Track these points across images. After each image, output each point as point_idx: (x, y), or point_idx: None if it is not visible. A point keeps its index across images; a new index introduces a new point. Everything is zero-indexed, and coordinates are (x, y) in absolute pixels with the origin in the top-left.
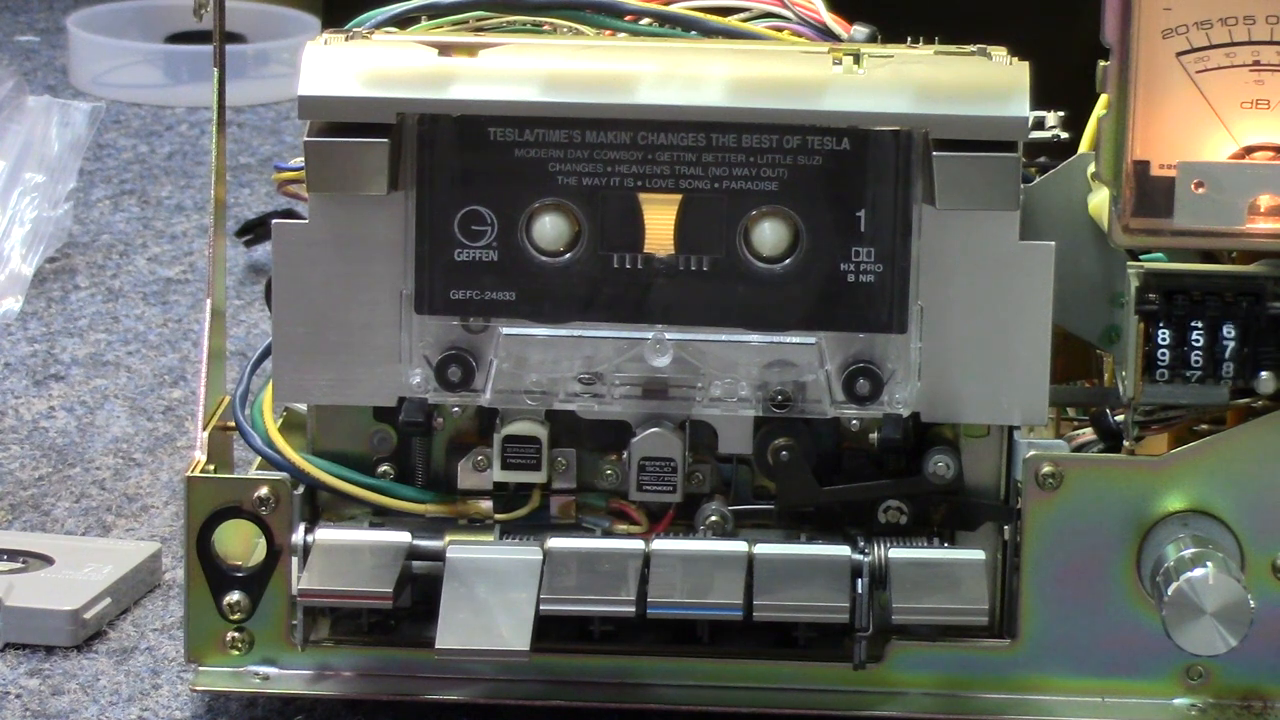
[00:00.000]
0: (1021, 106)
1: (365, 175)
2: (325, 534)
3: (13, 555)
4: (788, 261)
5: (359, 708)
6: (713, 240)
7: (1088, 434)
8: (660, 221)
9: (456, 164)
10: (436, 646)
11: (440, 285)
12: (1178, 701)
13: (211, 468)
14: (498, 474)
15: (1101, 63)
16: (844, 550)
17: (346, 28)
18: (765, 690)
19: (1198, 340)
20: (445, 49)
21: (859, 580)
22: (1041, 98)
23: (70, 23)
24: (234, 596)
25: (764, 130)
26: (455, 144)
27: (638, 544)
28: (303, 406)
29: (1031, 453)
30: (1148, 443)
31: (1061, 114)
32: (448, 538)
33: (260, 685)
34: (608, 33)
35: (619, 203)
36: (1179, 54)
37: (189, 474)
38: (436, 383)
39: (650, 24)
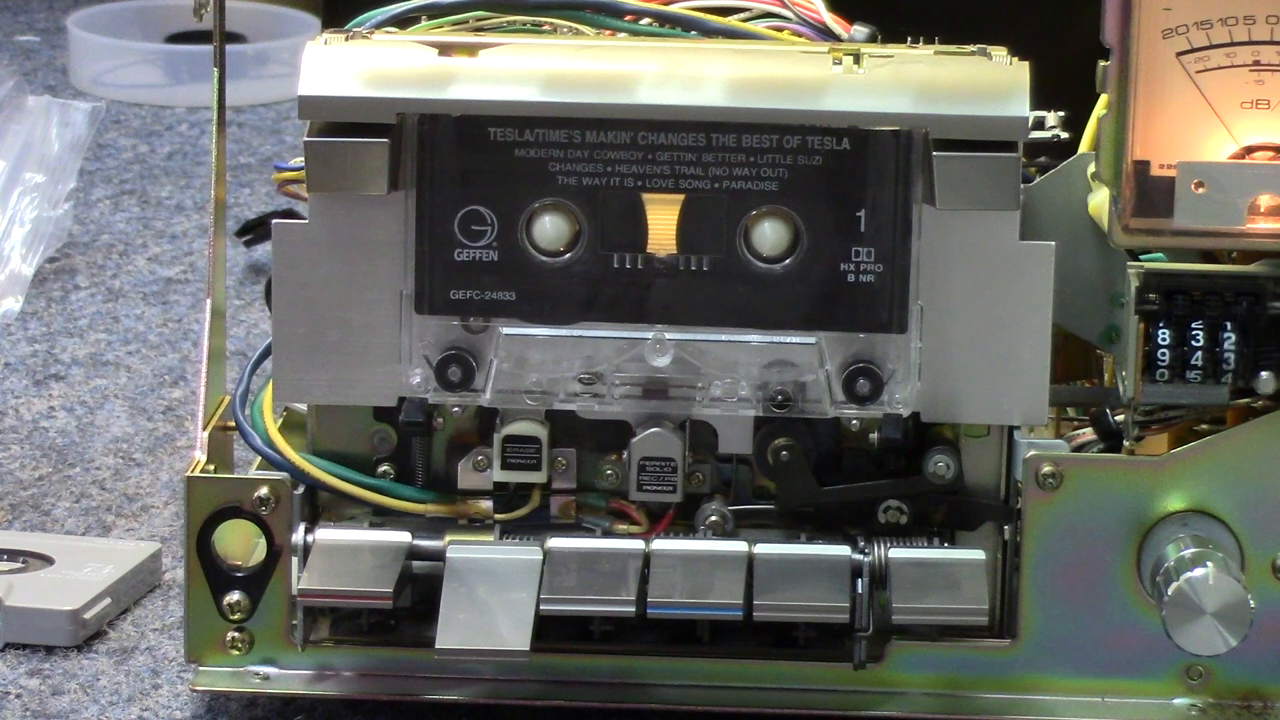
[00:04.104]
0: (1021, 106)
1: (365, 175)
2: (325, 534)
3: (13, 555)
4: (788, 261)
5: (359, 708)
6: (713, 240)
7: (1088, 434)
8: (660, 221)
9: (456, 164)
10: (436, 646)
11: (440, 285)
12: (1178, 701)
13: (211, 468)
14: (498, 474)
15: (1101, 63)
16: (844, 550)
17: (346, 28)
18: (765, 690)
19: (1198, 340)
20: (445, 49)
21: (859, 580)
22: (1041, 98)
23: (70, 23)
24: (234, 596)
25: (764, 130)
26: (455, 144)
27: (638, 544)
28: (303, 406)
29: (1031, 453)
30: (1148, 443)
31: (1061, 114)
32: (448, 538)
33: (260, 685)
34: (608, 33)
35: (619, 203)
36: (1179, 54)
37: (189, 474)
38: (436, 383)
39: (650, 24)
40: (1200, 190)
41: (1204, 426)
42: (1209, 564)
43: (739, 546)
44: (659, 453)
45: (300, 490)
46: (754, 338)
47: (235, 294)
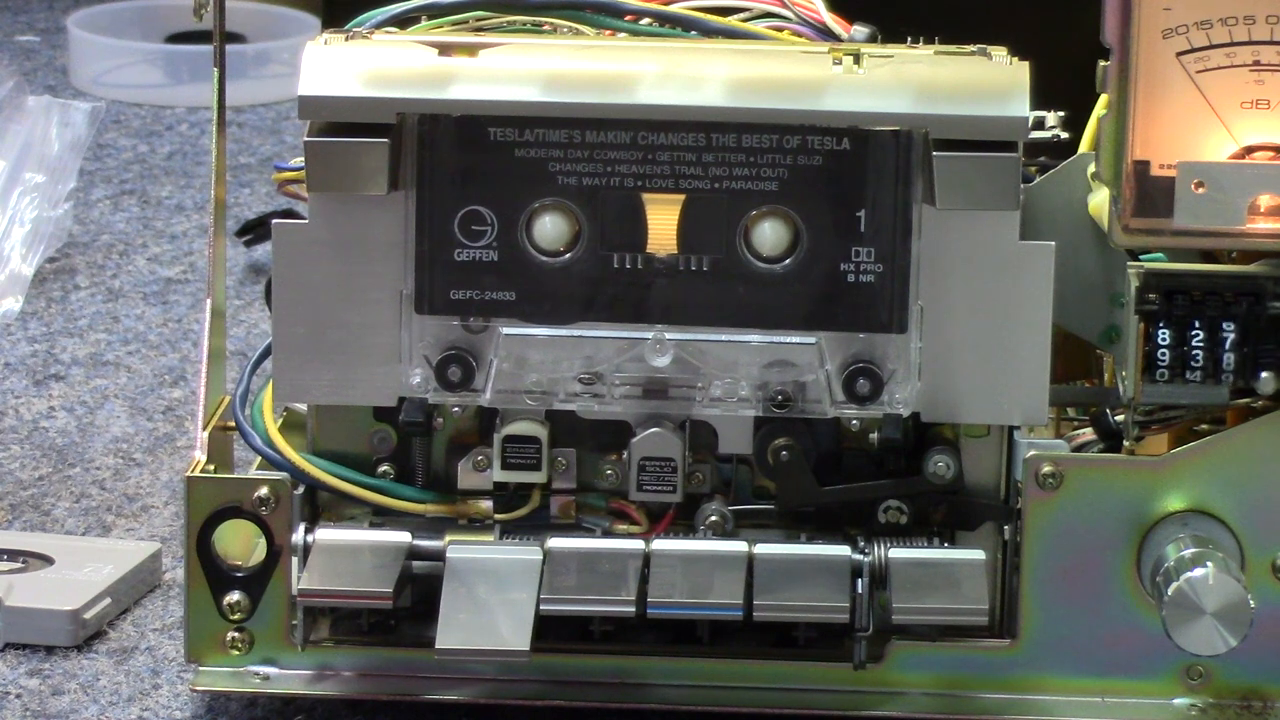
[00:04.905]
0: (1021, 106)
1: (365, 175)
2: (325, 534)
3: (13, 555)
4: (788, 261)
5: (359, 708)
6: (713, 240)
7: (1088, 434)
8: (661, 221)
9: (456, 164)
10: (436, 646)
11: (440, 285)
12: (1178, 701)
13: (211, 468)
14: (498, 474)
15: (1101, 63)
16: (844, 550)
17: (346, 28)
18: (765, 690)
19: (1198, 340)
20: (445, 49)
21: (859, 580)
22: (1041, 98)
23: (70, 23)
24: (234, 596)
25: (764, 130)
26: (455, 144)
27: (638, 544)
28: (303, 406)
29: (1031, 453)
30: (1148, 443)
31: (1061, 114)
32: (448, 538)
33: (260, 685)
34: (608, 33)
35: (619, 203)
36: (1179, 54)
37: (189, 474)
38: (436, 383)
39: (650, 24)
40: (1200, 190)
41: (1204, 426)
42: (1209, 564)
43: (739, 546)
44: (659, 453)
45: (300, 490)
46: (754, 338)
47: (235, 294)
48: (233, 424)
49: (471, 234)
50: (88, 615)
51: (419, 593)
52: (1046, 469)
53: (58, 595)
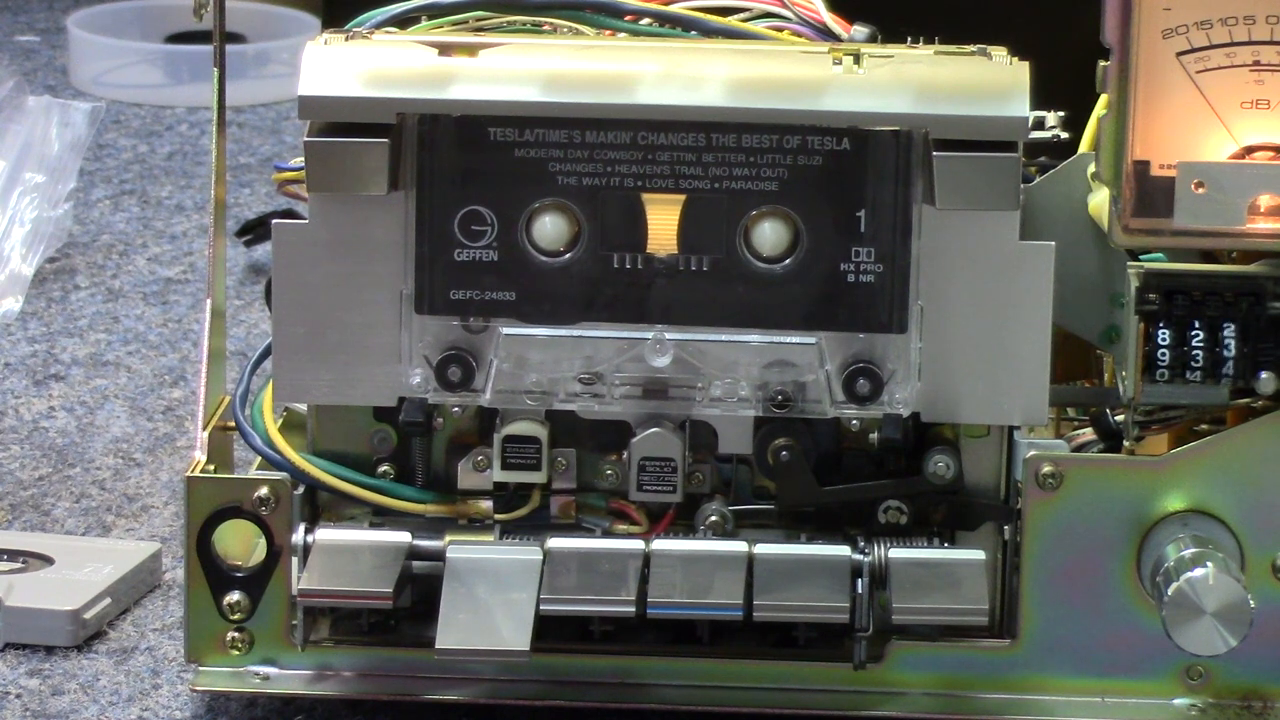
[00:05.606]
0: (1021, 106)
1: (365, 175)
2: (325, 534)
3: (13, 555)
4: (788, 261)
5: (359, 708)
6: (713, 240)
7: (1088, 434)
8: (661, 221)
9: (456, 164)
10: (436, 646)
11: (440, 285)
12: (1178, 701)
13: (211, 468)
14: (498, 474)
15: (1101, 63)
16: (844, 550)
17: (346, 28)
18: (765, 690)
19: (1198, 340)
20: (445, 49)
21: (859, 580)
22: (1041, 98)
23: (70, 23)
24: (234, 596)
25: (764, 130)
26: (455, 144)
27: (638, 544)
28: (303, 406)
29: (1031, 453)
30: (1148, 443)
31: (1061, 114)
32: (448, 538)
33: (260, 685)
34: (608, 33)
35: (619, 203)
36: (1179, 54)
37: (189, 474)
38: (436, 383)
39: (650, 24)
40: (1200, 190)
41: (1204, 426)
42: (1209, 564)
43: (739, 546)
44: (659, 453)
45: (300, 490)
46: (754, 338)
47: (235, 294)
48: (233, 424)
49: (471, 234)
50: (88, 615)
51: (419, 593)
52: (1046, 469)
53: (58, 595)
